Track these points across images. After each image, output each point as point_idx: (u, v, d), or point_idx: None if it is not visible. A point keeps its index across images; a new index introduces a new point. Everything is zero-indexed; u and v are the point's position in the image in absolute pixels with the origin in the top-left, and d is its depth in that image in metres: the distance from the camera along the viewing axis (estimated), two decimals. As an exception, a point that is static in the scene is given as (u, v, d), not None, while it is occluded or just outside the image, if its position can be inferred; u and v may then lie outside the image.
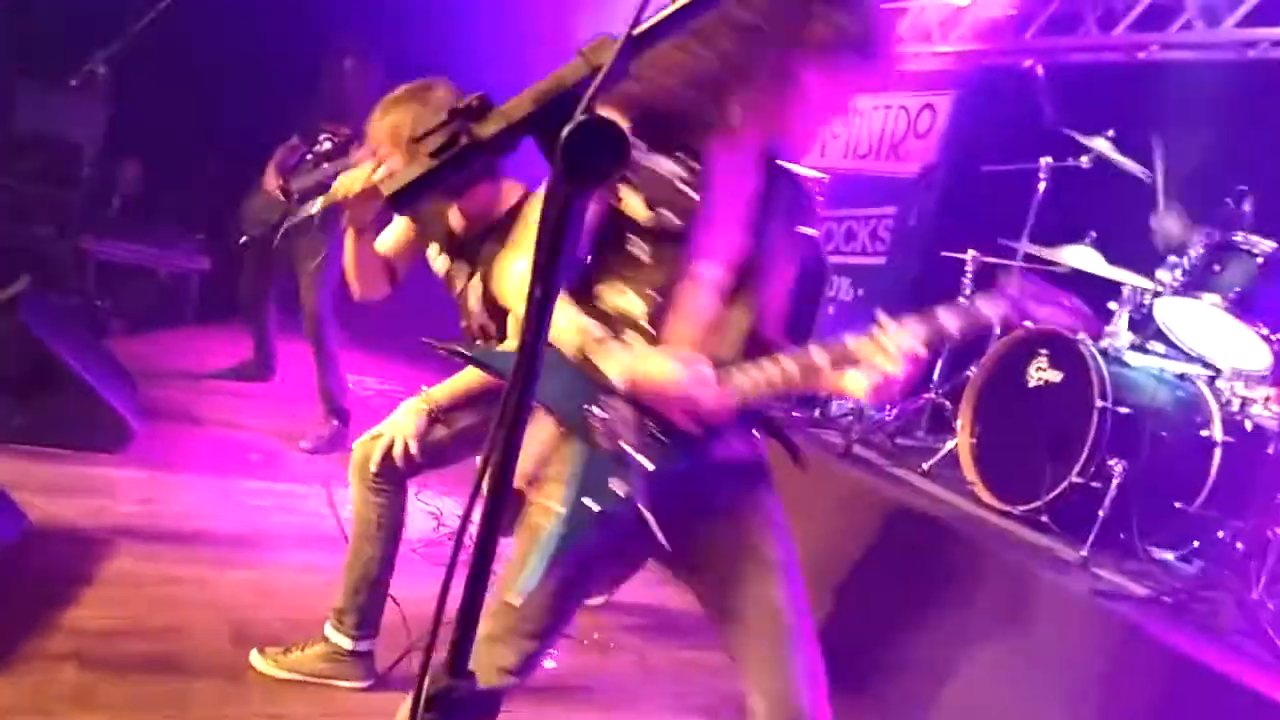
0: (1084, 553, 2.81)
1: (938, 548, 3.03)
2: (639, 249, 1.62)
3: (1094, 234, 3.55)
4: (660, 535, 1.57)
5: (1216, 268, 3.20)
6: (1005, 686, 2.65)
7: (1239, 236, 3.20)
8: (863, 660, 3.09)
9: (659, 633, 3.21)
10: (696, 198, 1.59)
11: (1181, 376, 3.29)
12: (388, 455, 2.43)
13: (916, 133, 5.28)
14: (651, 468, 1.57)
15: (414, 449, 2.42)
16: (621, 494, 1.57)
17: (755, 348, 1.65)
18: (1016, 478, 3.19)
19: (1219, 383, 3.23)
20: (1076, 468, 2.99)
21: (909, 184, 5.11)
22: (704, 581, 1.70)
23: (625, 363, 1.57)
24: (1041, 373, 3.20)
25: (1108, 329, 3.35)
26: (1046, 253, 3.63)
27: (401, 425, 2.43)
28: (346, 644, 2.50)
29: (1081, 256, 3.53)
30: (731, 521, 1.67)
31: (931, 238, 4.69)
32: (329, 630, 2.51)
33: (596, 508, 1.57)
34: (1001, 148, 4.21)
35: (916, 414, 3.94)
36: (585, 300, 1.65)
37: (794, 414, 4.06)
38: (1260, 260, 3.16)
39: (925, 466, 3.53)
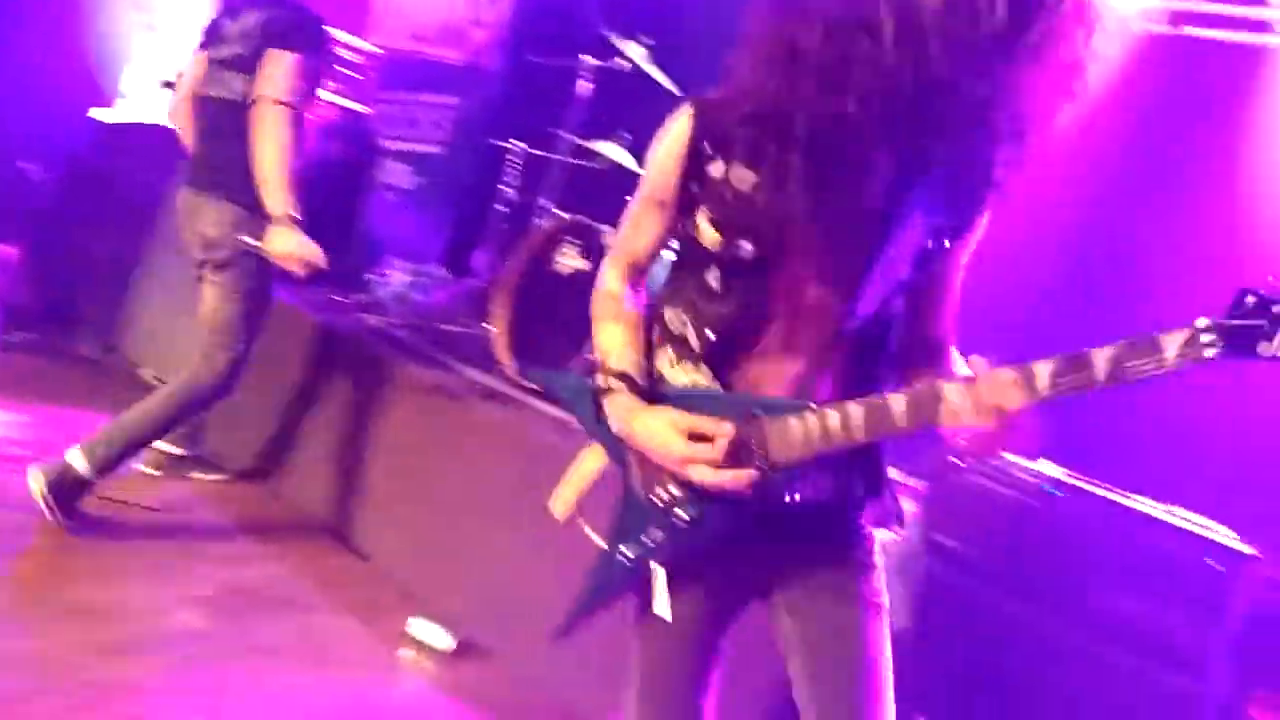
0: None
1: (470, 428, 3.10)
2: (713, 277, 1.40)
3: (628, 135, 3.75)
4: (661, 597, 1.42)
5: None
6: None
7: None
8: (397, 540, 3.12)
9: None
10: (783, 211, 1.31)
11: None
12: None
13: (478, 21, 5.22)
14: (686, 519, 1.40)
15: None
16: (652, 544, 1.44)
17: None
18: (546, 361, 3.33)
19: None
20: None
21: (468, 72, 5.06)
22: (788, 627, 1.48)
23: (617, 416, 1.42)
24: (572, 261, 3.34)
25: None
26: (589, 145, 3.78)
27: None
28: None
29: (617, 153, 3.72)
30: (808, 585, 1.46)
31: (488, 128, 4.69)
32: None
33: (630, 555, 1.46)
34: (552, 42, 4.29)
35: (464, 300, 3.98)
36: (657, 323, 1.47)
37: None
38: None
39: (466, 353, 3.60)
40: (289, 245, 2.94)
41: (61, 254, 4.62)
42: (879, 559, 1.49)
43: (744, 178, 1.35)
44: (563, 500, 1.58)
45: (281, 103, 2.91)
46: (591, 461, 1.58)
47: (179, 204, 3.15)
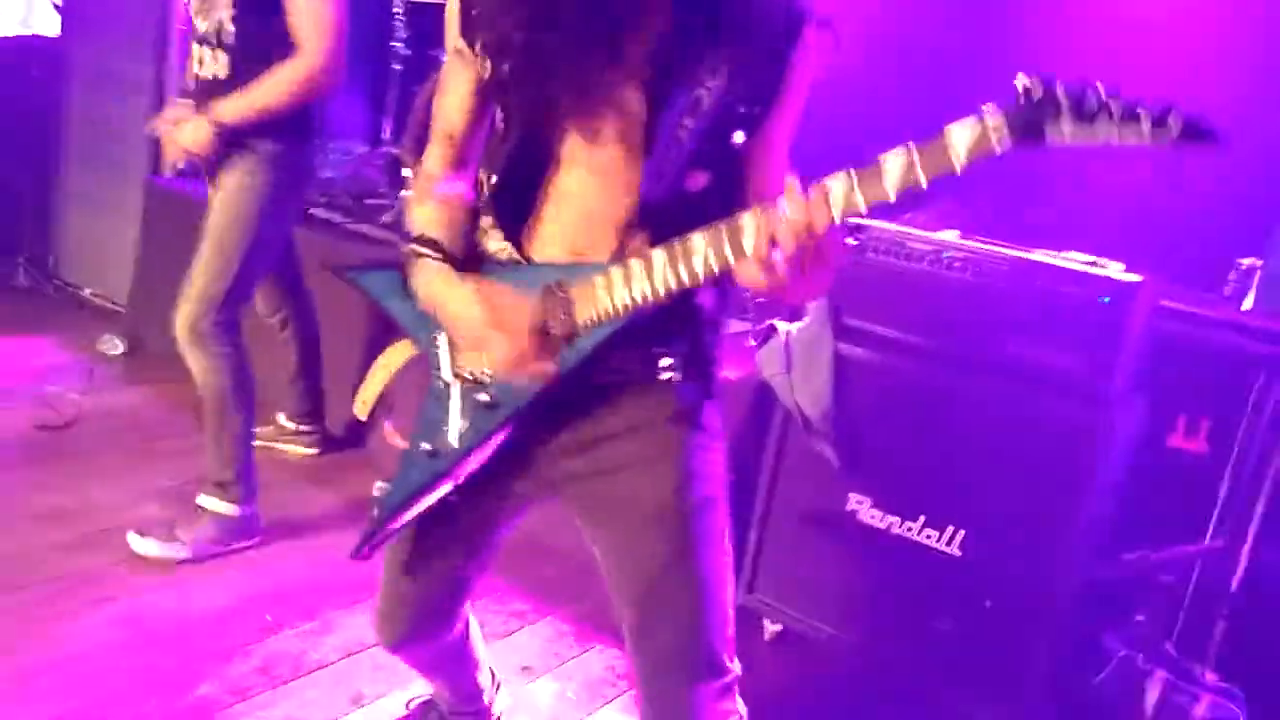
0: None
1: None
2: (499, 115, 1.32)
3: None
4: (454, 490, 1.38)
5: None
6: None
7: None
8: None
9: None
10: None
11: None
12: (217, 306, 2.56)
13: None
14: (485, 399, 1.34)
15: None
16: (454, 431, 1.36)
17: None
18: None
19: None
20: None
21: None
22: (585, 525, 1.44)
23: (423, 284, 1.35)
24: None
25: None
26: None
27: None
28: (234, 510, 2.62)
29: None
30: (608, 460, 1.37)
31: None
32: (210, 502, 2.61)
33: (426, 446, 1.38)
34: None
35: (375, 170, 3.95)
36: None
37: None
38: None
39: (385, 219, 3.58)
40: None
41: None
42: (703, 417, 1.42)
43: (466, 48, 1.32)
44: (365, 397, 1.52)
45: None
46: (397, 354, 1.51)
47: None
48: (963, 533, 2.29)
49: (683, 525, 1.36)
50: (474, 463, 1.38)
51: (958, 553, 2.29)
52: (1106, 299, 2.15)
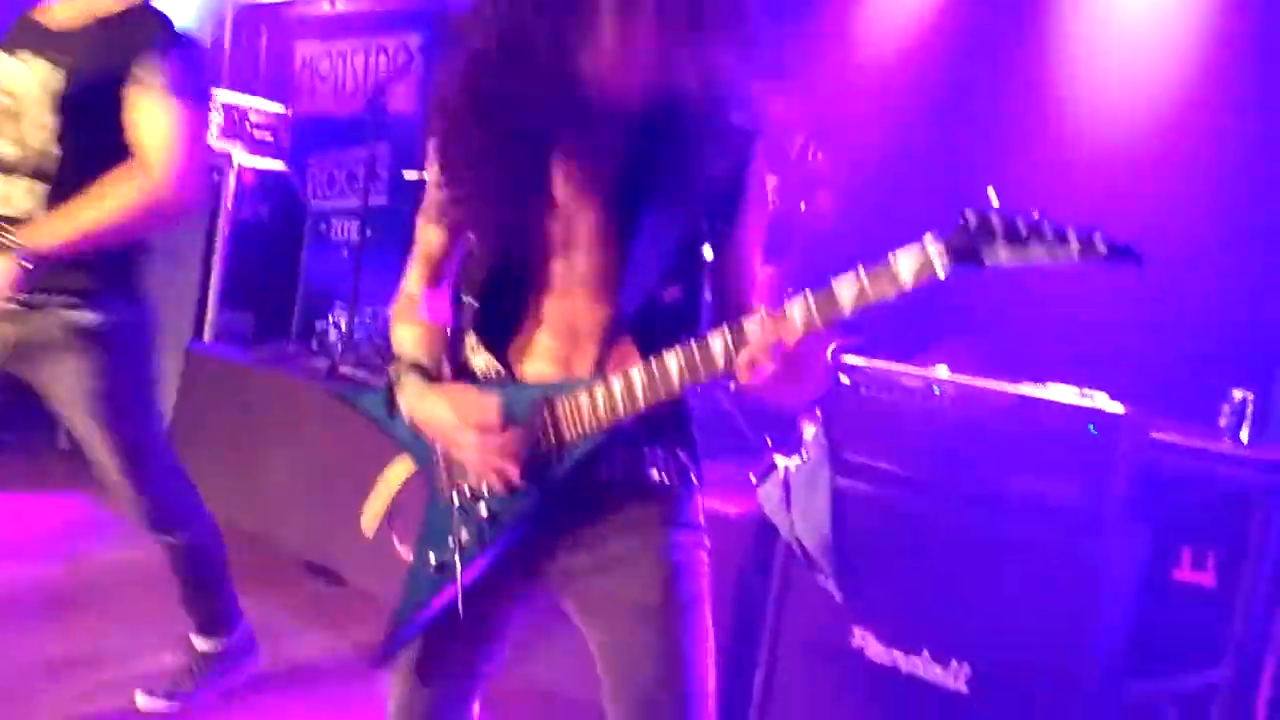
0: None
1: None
2: (476, 245, 1.44)
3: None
4: (460, 600, 1.41)
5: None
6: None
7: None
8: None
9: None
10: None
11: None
12: None
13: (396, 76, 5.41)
14: (485, 513, 1.41)
15: None
16: (462, 543, 1.42)
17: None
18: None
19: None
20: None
21: (394, 119, 5.25)
22: (585, 626, 1.49)
23: (408, 404, 1.43)
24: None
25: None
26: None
27: None
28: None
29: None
30: (600, 559, 1.43)
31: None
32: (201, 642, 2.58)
33: (434, 561, 1.44)
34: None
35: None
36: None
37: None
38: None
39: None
40: None
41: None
42: (691, 517, 1.47)
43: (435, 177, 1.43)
44: (371, 514, 1.57)
45: None
46: (399, 471, 1.56)
47: None
48: (967, 667, 2.26)
49: (670, 623, 1.40)
50: (477, 572, 1.43)
51: (964, 689, 2.26)
52: (1095, 430, 2.20)
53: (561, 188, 1.39)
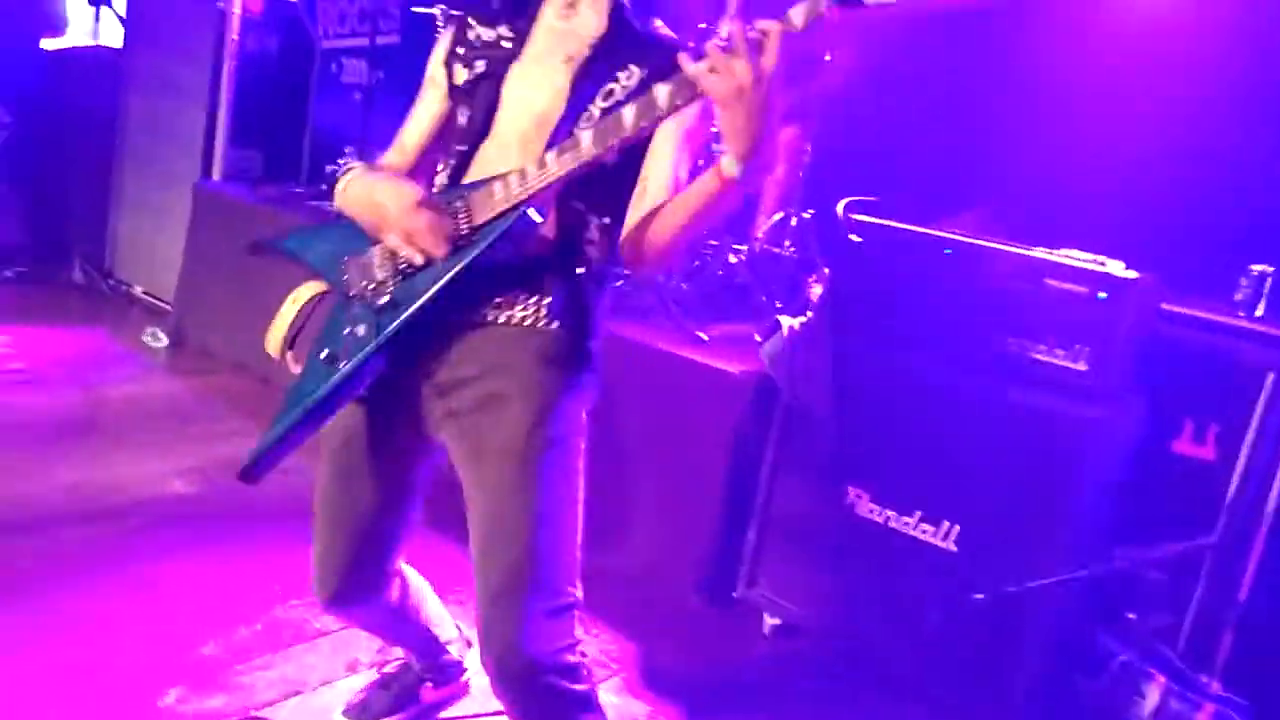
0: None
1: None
2: (462, 114, 1.56)
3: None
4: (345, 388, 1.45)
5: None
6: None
7: None
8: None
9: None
10: (510, 47, 1.53)
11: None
12: None
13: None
14: (387, 299, 1.46)
15: None
16: (352, 336, 1.46)
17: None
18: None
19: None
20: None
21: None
22: (455, 463, 1.54)
23: (353, 186, 1.53)
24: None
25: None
26: None
27: None
28: None
29: None
30: (478, 396, 1.48)
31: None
32: None
33: (326, 353, 1.48)
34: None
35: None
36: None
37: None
38: None
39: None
40: None
41: (38, 188, 4.77)
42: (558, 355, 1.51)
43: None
44: (276, 334, 1.59)
45: None
46: (304, 292, 1.60)
47: None
48: (958, 528, 2.29)
49: (527, 462, 1.44)
50: (366, 368, 1.45)
51: (953, 548, 2.30)
52: (1104, 294, 2.16)
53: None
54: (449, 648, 1.96)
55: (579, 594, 1.50)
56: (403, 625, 1.86)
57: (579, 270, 1.51)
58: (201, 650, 2.16)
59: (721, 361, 2.67)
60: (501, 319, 1.49)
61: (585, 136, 1.36)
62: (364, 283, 1.50)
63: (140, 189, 4.69)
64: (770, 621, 2.63)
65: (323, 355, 1.49)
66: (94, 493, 2.78)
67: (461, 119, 1.56)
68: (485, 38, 1.56)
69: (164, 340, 4.09)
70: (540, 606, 1.43)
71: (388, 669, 2.05)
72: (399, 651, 2.04)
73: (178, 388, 3.68)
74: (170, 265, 4.38)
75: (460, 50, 1.58)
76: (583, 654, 1.50)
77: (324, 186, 4.22)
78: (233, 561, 2.56)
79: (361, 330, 1.46)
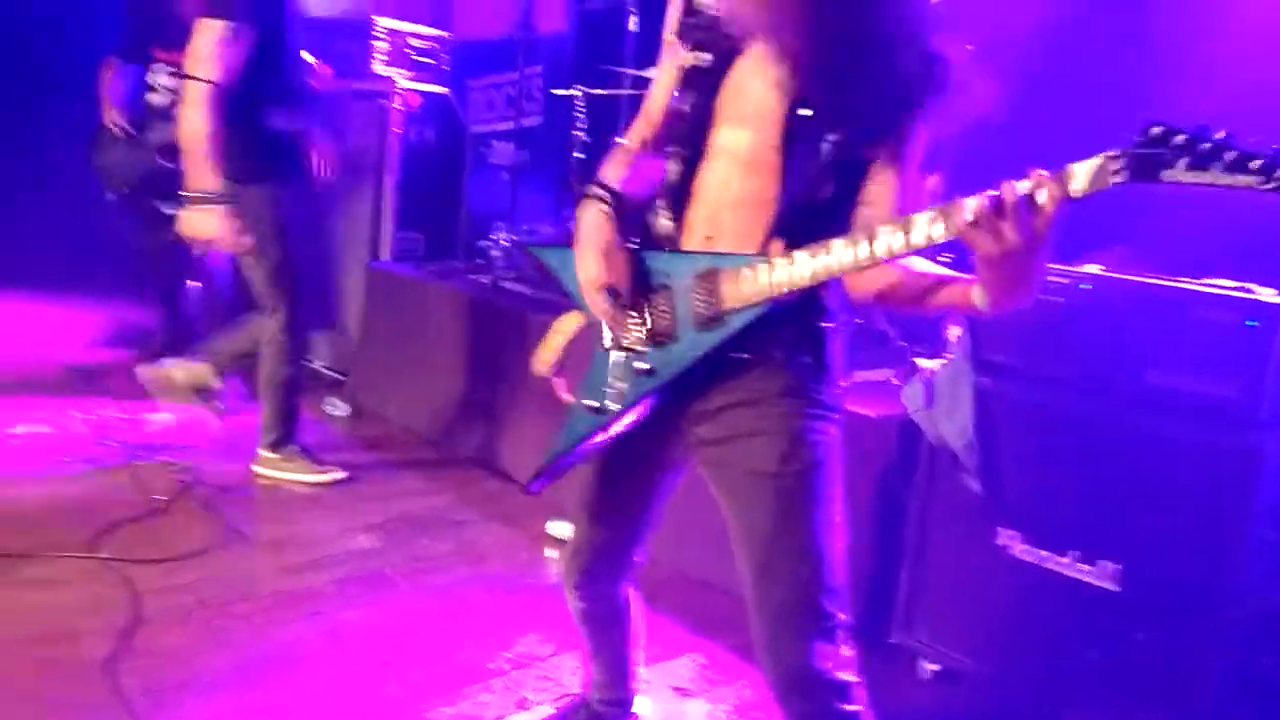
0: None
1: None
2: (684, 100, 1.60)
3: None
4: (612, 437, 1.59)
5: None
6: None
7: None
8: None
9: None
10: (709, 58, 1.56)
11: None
12: None
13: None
14: (644, 366, 1.55)
15: None
16: (615, 392, 1.58)
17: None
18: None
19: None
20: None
21: (546, 41, 5.36)
22: (716, 491, 1.64)
23: (582, 219, 1.57)
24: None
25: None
26: (645, 74, 4.00)
27: None
28: None
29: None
30: (728, 428, 1.57)
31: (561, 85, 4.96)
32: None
33: (592, 404, 1.61)
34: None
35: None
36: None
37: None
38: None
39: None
40: (198, 226, 2.92)
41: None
42: (816, 410, 1.56)
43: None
44: (543, 359, 1.75)
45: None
46: (569, 322, 1.74)
47: None
48: (1119, 566, 2.25)
49: (787, 490, 1.52)
50: (630, 419, 1.59)
51: (1115, 587, 2.25)
52: (1254, 322, 2.12)
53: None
54: (633, 685, 2.06)
55: (847, 616, 1.57)
56: (615, 631, 1.98)
57: (816, 315, 1.55)
58: (383, 690, 2.35)
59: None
60: (744, 357, 1.54)
61: (839, 246, 1.38)
62: (612, 336, 1.60)
63: (317, 267, 5.07)
64: (928, 667, 2.63)
65: (587, 403, 1.62)
66: (290, 548, 3.05)
67: (684, 105, 1.59)
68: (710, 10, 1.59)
69: (342, 409, 4.42)
70: (825, 624, 1.53)
71: (561, 702, 2.18)
72: (575, 688, 2.17)
73: (357, 451, 3.98)
74: (346, 341, 4.75)
75: (690, 20, 1.60)
76: (858, 675, 1.58)
77: (479, 261, 4.51)
78: (410, 608, 2.76)
79: (622, 387, 1.57)
